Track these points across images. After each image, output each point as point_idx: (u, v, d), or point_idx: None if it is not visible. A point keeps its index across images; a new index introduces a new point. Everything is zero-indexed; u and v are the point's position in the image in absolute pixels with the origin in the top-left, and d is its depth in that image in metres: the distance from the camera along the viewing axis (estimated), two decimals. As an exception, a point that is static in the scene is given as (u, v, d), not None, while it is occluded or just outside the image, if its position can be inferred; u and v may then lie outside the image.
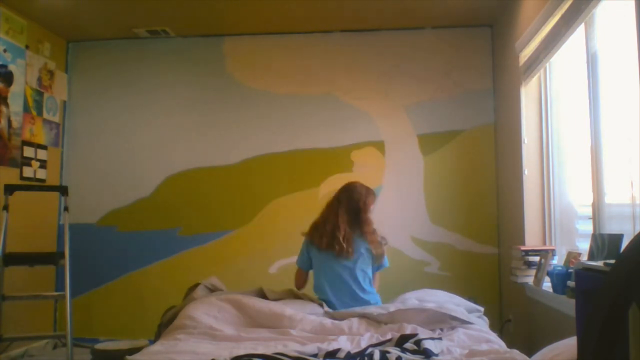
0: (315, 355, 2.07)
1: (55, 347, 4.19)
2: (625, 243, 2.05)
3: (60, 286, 4.09)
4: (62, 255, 3.54)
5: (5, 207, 3.41)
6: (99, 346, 3.73)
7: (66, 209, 3.70)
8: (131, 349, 3.24)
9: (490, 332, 2.57)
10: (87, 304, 4.36)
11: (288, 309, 2.64)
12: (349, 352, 2.10)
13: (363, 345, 2.27)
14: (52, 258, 3.68)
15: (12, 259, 3.43)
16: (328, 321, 2.59)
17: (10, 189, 3.50)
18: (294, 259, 4.27)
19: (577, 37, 2.80)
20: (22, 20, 4.02)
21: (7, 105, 3.85)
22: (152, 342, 2.56)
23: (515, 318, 3.68)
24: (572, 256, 2.77)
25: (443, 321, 2.54)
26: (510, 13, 3.76)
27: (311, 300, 2.90)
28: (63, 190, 3.86)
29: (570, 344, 1.74)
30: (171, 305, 2.91)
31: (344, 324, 2.54)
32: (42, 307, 4.24)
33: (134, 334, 4.14)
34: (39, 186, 4.16)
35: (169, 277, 4.35)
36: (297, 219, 4.28)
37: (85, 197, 4.45)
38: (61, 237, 3.98)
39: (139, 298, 4.36)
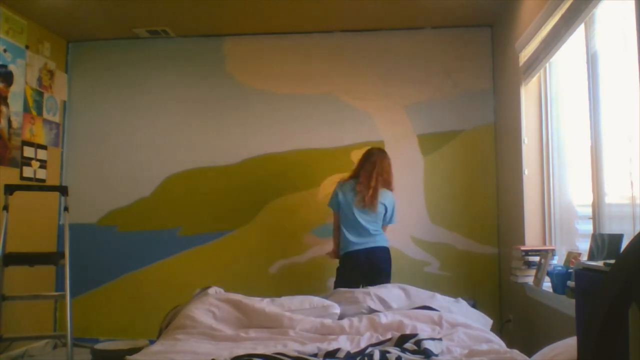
0: (315, 355, 2.07)
1: (55, 347, 4.19)
2: (625, 243, 2.05)
3: (60, 286, 4.09)
4: (62, 255, 3.53)
5: (5, 207, 3.41)
6: (99, 346, 3.73)
7: (66, 209, 3.70)
8: (131, 349, 3.24)
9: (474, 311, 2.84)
10: (87, 304, 4.35)
11: (285, 309, 2.65)
12: (348, 352, 2.10)
13: (363, 345, 2.27)
14: (52, 258, 3.68)
15: (12, 259, 3.43)
16: (328, 320, 2.59)
17: (10, 189, 3.50)
18: (294, 259, 4.31)
19: (577, 37, 2.80)
20: (22, 20, 4.02)
21: (7, 105, 3.85)
22: (153, 342, 2.56)
23: (515, 318, 3.68)
24: (572, 256, 2.77)
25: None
26: (510, 13, 3.76)
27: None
28: (63, 190, 3.86)
29: (570, 344, 1.74)
30: (175, 305, 2.90)
31: (345, 323, 2.54)
32: (42, 307, 4.24)
33: (134, 334, 4.14)
34: (39, 186, 4.16)
35: (169, 277, 4.35)
36: (297, 219, 4.30)
37: (85, 197, 4.45)
38: (61, 237, 3.98)
39: (139, 298, 4.36)
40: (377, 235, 3.57)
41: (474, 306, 3.50)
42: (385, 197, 3.58)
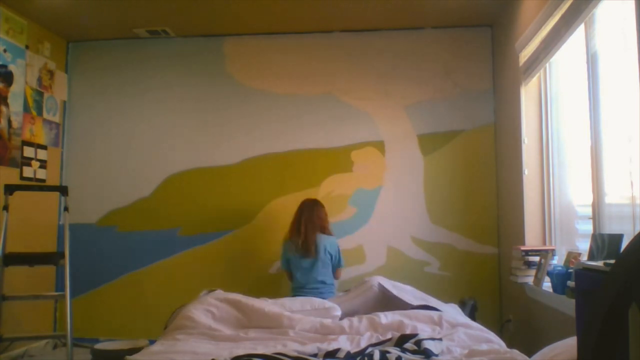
0: (315, 355, 2.07)
1: (55, 347, 4.19)
2: (625, 243, 2.05)
3: (60, 286, 4.09)
4: (62, 255, 3.53)
5: (5, 207, 3.41)
6: (99, 346, 3.73)
7: (66, 209, 3.70)
8: (131, 349, 3.24)
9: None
10: (87, 304, 4.35)
11: (286, 309, 2.65)
12: (348, 352, 2.10)
13: (363, 345, 2.28)
14: (52, 258, 3.68)
15: (12, 259, 3.43)
16: (328, 320, 2.59)
17: (10, 189, 3.50)
18: (294, 259, 4.30)
19: (577, 37, 2.80)
20: (22, 20, 4.02)
21: (7, 105, 3.85)
22: (153, 342, 2.56)
23: (515, 318, 3.68)
24: (572, 256, 2.77)
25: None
26: (510, 13, 3.76)
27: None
28: (63, 190, 3.86)
29: (570, 344, 1.74)
30: (183, 304, 2.90)
31: (344, 323, 2.54)
32: (42, 307, 4.24)
33: (134, 334, 4.14)
34: (39, 186, 4.16)
35: (169, 277, 4.35)
36: (297, 219, 4.28)
37: (85, 197, 4.45)
38: (61, 237, 3.98)
39: (139, 298, 4.35)
40: (324, 288, 3.63)
41: (474, 306, 3.51)
42: (324, 241, 3.69)
